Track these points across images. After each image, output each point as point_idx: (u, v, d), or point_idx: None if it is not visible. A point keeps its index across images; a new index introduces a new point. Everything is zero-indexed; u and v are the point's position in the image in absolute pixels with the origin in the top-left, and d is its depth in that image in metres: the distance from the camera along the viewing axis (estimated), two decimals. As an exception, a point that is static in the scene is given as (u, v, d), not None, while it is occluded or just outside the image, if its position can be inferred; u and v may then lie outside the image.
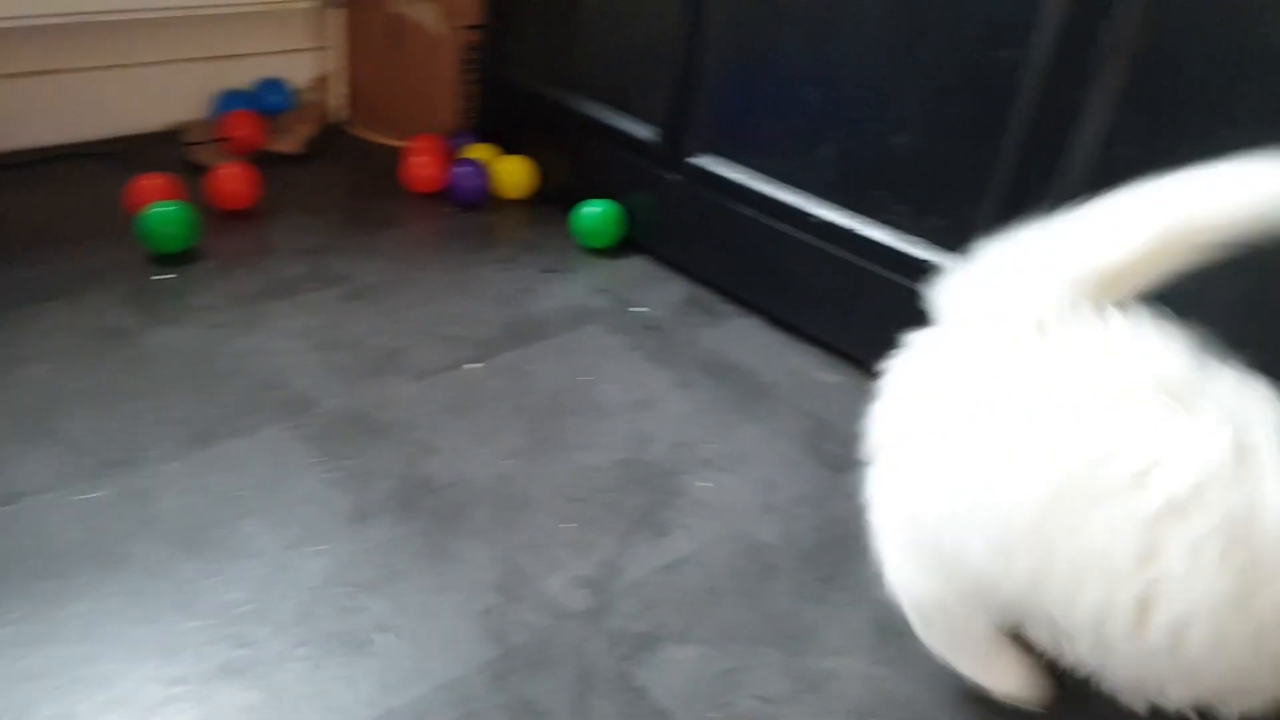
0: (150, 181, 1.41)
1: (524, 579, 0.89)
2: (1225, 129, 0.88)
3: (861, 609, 0.88)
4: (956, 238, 1.10)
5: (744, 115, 1.32)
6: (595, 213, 1.49)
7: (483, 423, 1.10)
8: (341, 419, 1.07)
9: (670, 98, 1.39)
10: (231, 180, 1.47)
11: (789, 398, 1.19)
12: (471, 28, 1.70)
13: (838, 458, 1.07)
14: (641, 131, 1.45)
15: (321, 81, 1.88)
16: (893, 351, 0.87)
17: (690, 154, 1.39)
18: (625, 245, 1.51)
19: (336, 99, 1.87)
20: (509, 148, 1.68)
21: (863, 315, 1.22)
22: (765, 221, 1.31)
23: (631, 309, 1.36)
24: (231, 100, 1.75)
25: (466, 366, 1.19)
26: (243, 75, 1.79)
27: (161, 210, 1.32)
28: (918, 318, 1.11)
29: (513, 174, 1.64)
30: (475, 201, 1.61)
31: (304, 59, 1.86)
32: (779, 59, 1.25)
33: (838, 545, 0.96)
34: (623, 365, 1.23)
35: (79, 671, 0.75)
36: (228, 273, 1.33)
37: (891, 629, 0.82)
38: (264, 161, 1.61)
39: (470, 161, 1.62)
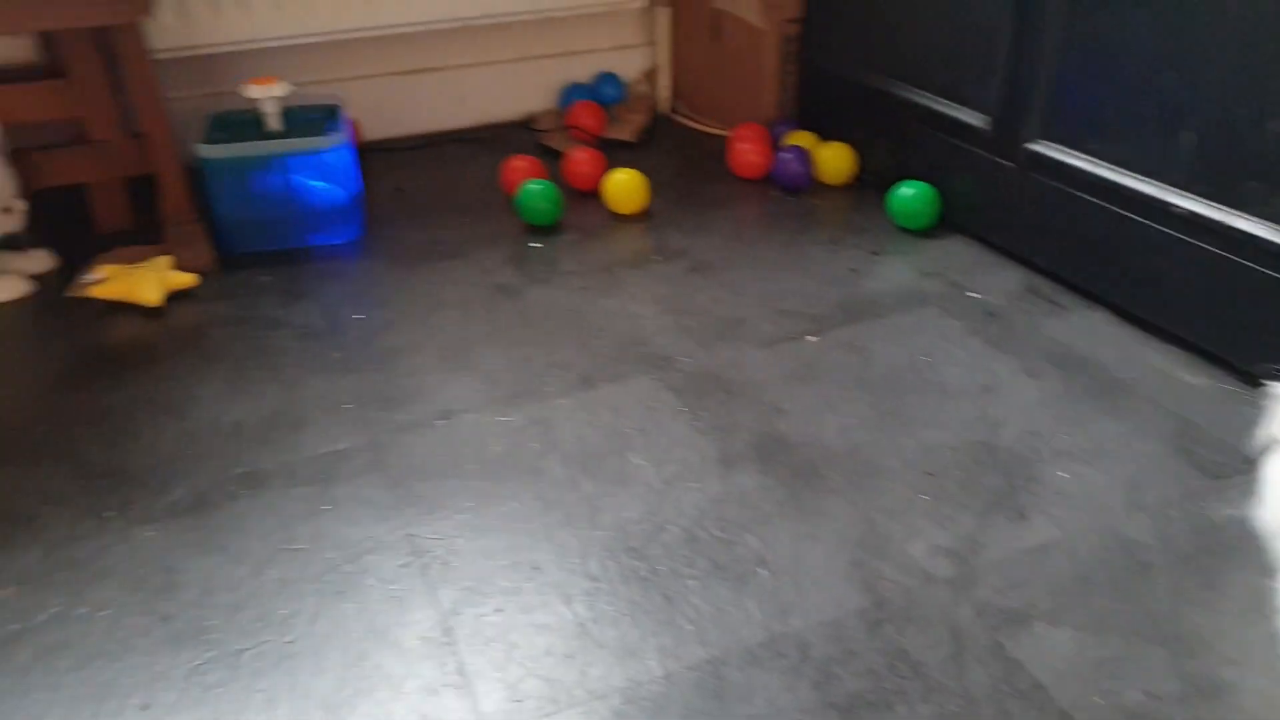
0: (520, 163, 1.59)
1: (886, 540, 0.92)
2: None
3: (1256, 623, 0.83)
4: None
5: (1087, 101, 1.27)
6: (912, 194, 1.50)
7: (827, 392, 1.14)
8: (699, 376, 1.16)
9: (1003, 84, 1.37)
10: (584, 163, 1.62)
11: (1149, 396, 1.14)
12: (791, 20, 1.75)
13: (1213, 464, 1.01)
14: (970, 118, 1.44)
15: (650, 74, 2.01)
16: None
17: (1025, 140, 1.36)
18: (944, 228, 1.51)
19: (664, 90, 1.99)
20: (827, 134, 1.72)
21: (1233, 314, 1.15)
22: (1115, 210, 1.26)
23: (968, 293, 1.35)
24: (574, 92, 1.92)
25: (807, 338, 1.24)
26: (584, 70, 1.96)
27: (534, 188, 1.48)
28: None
29: (834, 160, 1.67)
30: (798, 186, 1.66)
31: (635, 54, 2.00)
32: (1127, 42, 1.19)
33: (1221, 553, 0.90)
34: (962, 349, 1.23)
35: (518, 557, 0.88)
36: (585, 244, 1.46)
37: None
38: (602, 147, 1.75)
39: (793, 148, 1.67)
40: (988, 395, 1.14)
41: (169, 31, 1.51)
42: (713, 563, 0.88)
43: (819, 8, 1.70)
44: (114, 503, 0.94)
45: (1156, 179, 1.21)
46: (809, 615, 0.83)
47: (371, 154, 1.73)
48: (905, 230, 1.52)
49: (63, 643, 0.79)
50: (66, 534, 0.90)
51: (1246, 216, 1.11)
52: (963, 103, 1.46)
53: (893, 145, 1.61)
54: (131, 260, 1.30)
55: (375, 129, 1.79)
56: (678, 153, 1.83)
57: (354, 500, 0.95)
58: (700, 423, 1.07)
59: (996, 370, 1.19)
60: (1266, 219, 1.10)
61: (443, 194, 1.61)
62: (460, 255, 1.42)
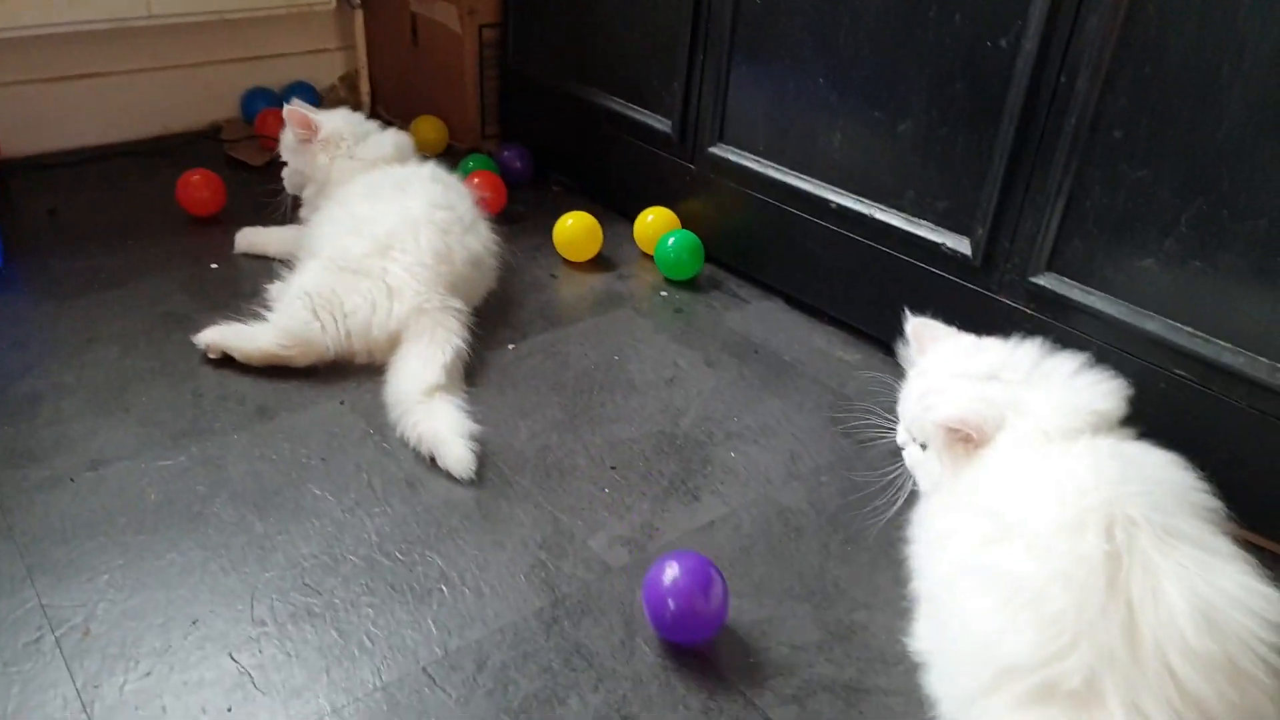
0: (196, 177, 1.47)
1: (569, 538, 0.96)
2: (1207, 114, 0.93)
3: (883, 568, 0.94)
4: (961, 220, 1.16)
5: (754, 106, 1.38)
6: (674, 240, 1.44)
7: (522, 399, 1.16)
8: (391, 394, 1.14)
9: (681, 91, 1.45)
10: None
11: (810, 375, 1.25)
12: (489, 25, 1.75)
13: (858, 430, 1.14)
14: (657, 123, 1.51)
15: (348, 78, 1.94)
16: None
17: (705, 144, 1.45)
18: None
19: (364, 96, 1.93)
20: (532, 139, 1.75)
21: (879, 296, 1.29)
22: (783, 207, 1.37)
23: (660, 293, 1.42)
24: (259, 99, 1.81)
25: (508, 347, 1.26)
26: (275, 76, 1.86)
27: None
28: (929, 298, 1.17)
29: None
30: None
31: (331, 58, 1.93)
32: (785, 51, 1.31)
33: (859, 510, 1.02)
34: (650, 346, 1.29)
35: (174, 612, 0.83)
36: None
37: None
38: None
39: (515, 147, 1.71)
40: (671, 388, 1.21)
41: None
42: (392, 585, 0.88)
43: (517, 14, 1.71)
44: None
45: (815, 177, 1.33)
46: (488, 624, 0.85)
47: (16, 173, 1.55)
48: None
49: None
50: None
51: (884, 209, 1.25)
52: (651, 109, 1.53)
53: (591, 151, 1.66)
54: None
55: (21, 144, 1.60)
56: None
57: (-28, 577, 0.85)
58: (387, 443, 1.06)
59: (680, 363, 1.26)
60: (900, 210, 1.24)
61: (108, 215, 1.48)
62: (124, 284, 1.30)
